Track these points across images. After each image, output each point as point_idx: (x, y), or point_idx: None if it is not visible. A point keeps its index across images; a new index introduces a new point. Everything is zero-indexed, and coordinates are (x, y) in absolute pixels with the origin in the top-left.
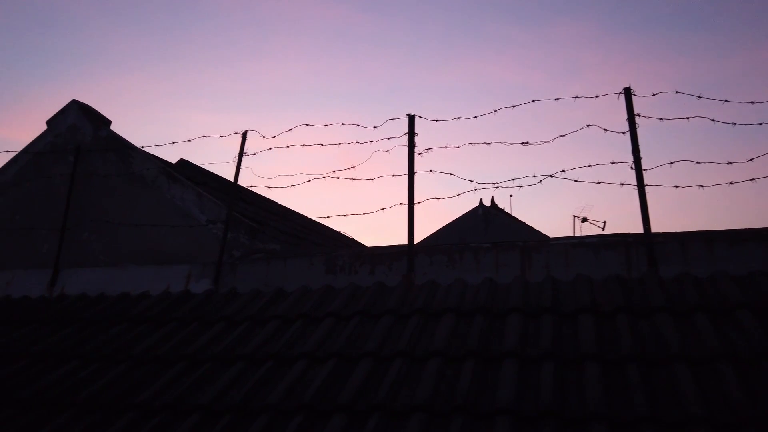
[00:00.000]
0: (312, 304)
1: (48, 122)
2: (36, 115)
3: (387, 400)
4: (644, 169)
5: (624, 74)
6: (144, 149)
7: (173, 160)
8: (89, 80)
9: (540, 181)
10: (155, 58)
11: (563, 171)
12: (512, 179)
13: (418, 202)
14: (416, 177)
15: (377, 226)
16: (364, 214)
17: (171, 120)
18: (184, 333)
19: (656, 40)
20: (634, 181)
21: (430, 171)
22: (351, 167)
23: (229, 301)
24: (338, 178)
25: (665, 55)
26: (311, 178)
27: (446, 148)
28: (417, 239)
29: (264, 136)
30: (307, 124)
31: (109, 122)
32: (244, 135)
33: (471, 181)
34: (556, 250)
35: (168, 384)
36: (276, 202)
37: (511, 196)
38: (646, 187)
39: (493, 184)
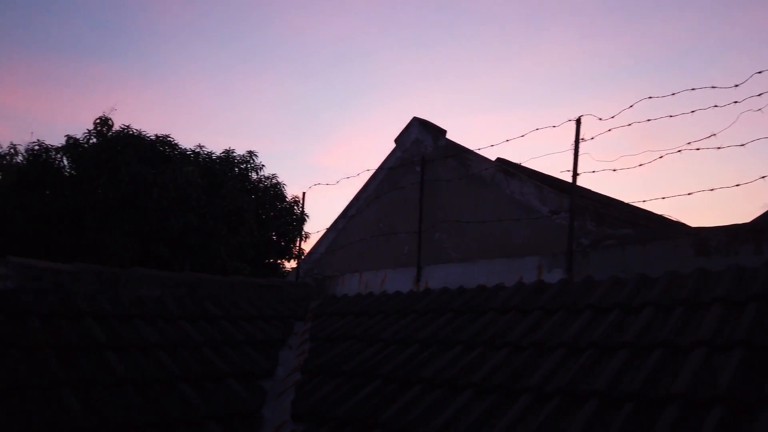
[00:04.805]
0: (688, 289)
1: (396, 140)
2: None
3: None
4: None
5: None
6: (478, 151)
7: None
8: (413, 99)
9: None
10: (472, 70)
11: None
12: None
13: None
14: None
15: (692, 208)
16: (737, 185)
17: (490, 121)
18: (552, 321)
19: None
20: None
21: None
22: (711, 135)
23: (589, 290)
24: (698, 149)
25: None
26: (663, 153)
27: None
28: (745, 219)
29: (600, 119)
30: (650, 97)
31: (444, 132)
32: (578, 121)
33: None
34: None
35: (554, 369)
36: (591, 190)
37: None
38: None
39: None
